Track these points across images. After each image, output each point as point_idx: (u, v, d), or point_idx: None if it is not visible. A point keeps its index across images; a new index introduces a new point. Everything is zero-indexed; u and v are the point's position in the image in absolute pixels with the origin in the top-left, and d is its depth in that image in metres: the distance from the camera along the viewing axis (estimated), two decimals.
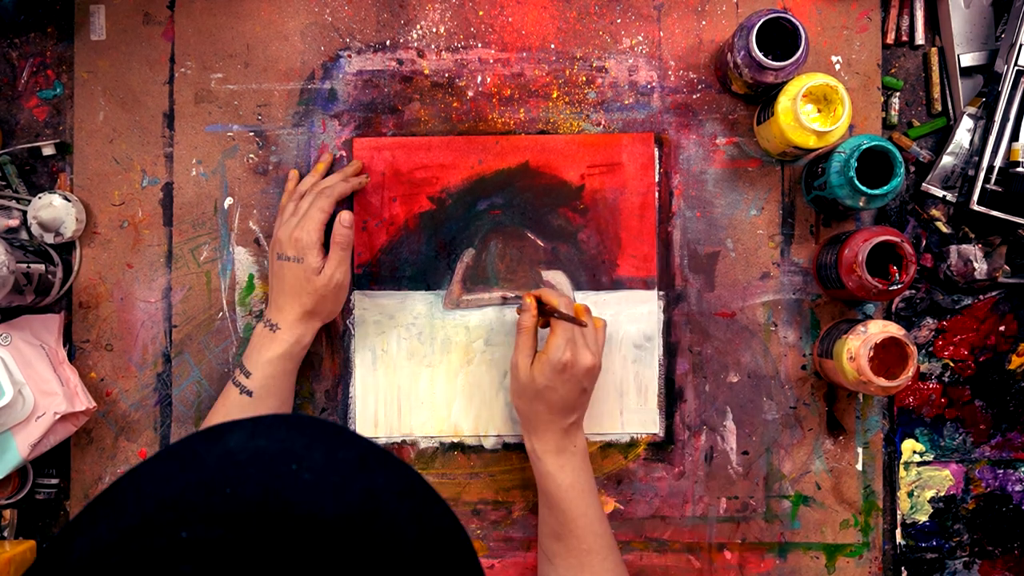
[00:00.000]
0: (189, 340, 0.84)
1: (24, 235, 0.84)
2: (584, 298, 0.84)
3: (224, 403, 0.77)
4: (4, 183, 0.84)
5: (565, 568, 0.76)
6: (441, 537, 0.39)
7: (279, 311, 0.78)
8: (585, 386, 0.76)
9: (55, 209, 0.82)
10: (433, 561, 0.38)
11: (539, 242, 0.84)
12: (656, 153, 0.84)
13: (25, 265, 0.77)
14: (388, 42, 0.85)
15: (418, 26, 0.85)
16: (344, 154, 0.84)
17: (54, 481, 0.83)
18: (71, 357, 0.84)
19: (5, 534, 0.83)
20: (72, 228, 0.83)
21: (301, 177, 0.84)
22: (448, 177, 0.84)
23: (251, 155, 0.84)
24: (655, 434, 0.84)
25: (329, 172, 0.83)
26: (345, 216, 0.77)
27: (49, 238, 0.82)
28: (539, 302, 0.78)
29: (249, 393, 0.76)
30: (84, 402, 0.79)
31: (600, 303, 0.84)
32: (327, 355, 0.84)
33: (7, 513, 0.83)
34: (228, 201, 0.84)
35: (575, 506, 0.75)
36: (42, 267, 0.80)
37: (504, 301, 0.84)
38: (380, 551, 0.35)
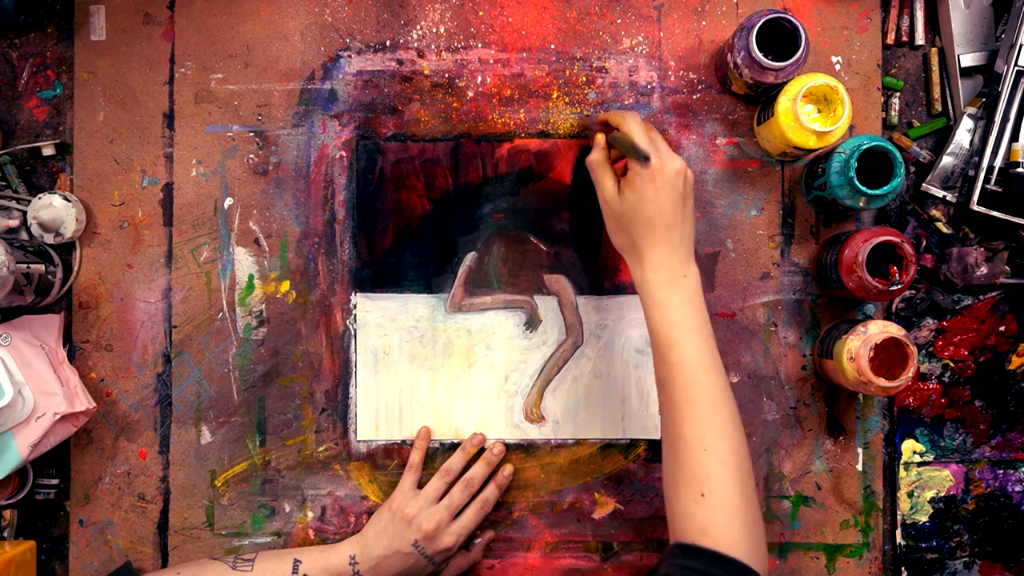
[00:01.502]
0: (189, 340, 0.84)
1: (24, 235, 0.84)
2: (586, 302, 0.84)
3: None
4: (4, 183, 0.84)
5: (667, 420, 0.69)
6: None
7: (375, 572, 0.78)
8: (680, 189, 0.70)
9: (55, 209, 0.82)
10: None
11: (542, 246, 0.84)
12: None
13: (25, 265, 0.77)
14: (388, 42, 0.85)
15: (418, 26, 0.85)
16: (344, 154, 0.84)
17: (54, 481, 0.83)
18: (71, 357, 0.84)
19: (5, 534, 0.83)
20: (72, 228, 0.83)
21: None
22: (452, 180, 0.84)
23: (251, 155, 0.84)
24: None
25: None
26: (489, 536, 0.83)
27: (49, 238, 0.82)
28: (607, 136, 0.73)
29: None
30: (84, 402, 0.79)
31: (602, 308, 0.84)
32: (327, 355, 0.84)
33: (7, 513, 0.83)
34: (228, 201, 0.84)
35: (679, 347, 0.68)
36: (42, 267, 0.80)
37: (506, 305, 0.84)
38: None
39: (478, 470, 0.81)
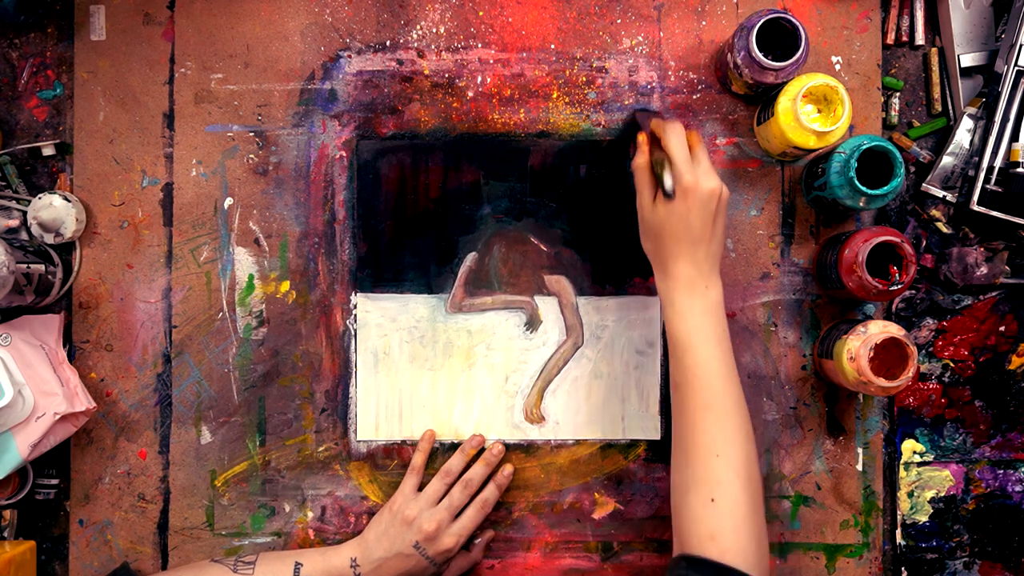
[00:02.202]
0: (189, 340, 0.84)
1: (24, 235, 0.84)
2: (587, 303, 0.84)
3: None
4: (4, 183, 0.84)
5: (680, 425, 0.70)
6: None
7: (376, 574, 0.78)
8: (712, 208, 0.71)
9: (55, 209, 0.82)
10: None
11: (542, 247, 0.84)
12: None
13: (25, 265, 0.77)
14: (388, 42, 0.85)
15: (418, 26, 0.85)
16: (344, 154, 0.84)
17: (54, 481, 0.83)
18: (71, 357, 0.84)
19: (5, 534, 0.83)
20: (72, 228, 0.83)
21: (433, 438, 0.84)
22: (452, 180, 0.84)
23: (251, 155, 0.84)
24: None
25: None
26: (489, 536, 0.83)
27: (49, 238, 0.82)
28: (652, 139, 0.74)
29: None
30: (84, 402, 0.79)
31: (602, 309, 0.84)
32: (327, 355, 0.84)
33: (7, 513, 0.83)
34: (228, 201, 0.84)
35: (696, 353, 0.69)
36: (42, 267, 0.80)
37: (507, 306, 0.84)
38: None
39: (477, 470, 0.82)
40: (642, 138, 0.75)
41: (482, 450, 0.83)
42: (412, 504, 0.79)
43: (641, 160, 0.74)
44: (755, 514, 0.66)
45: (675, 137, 0.72)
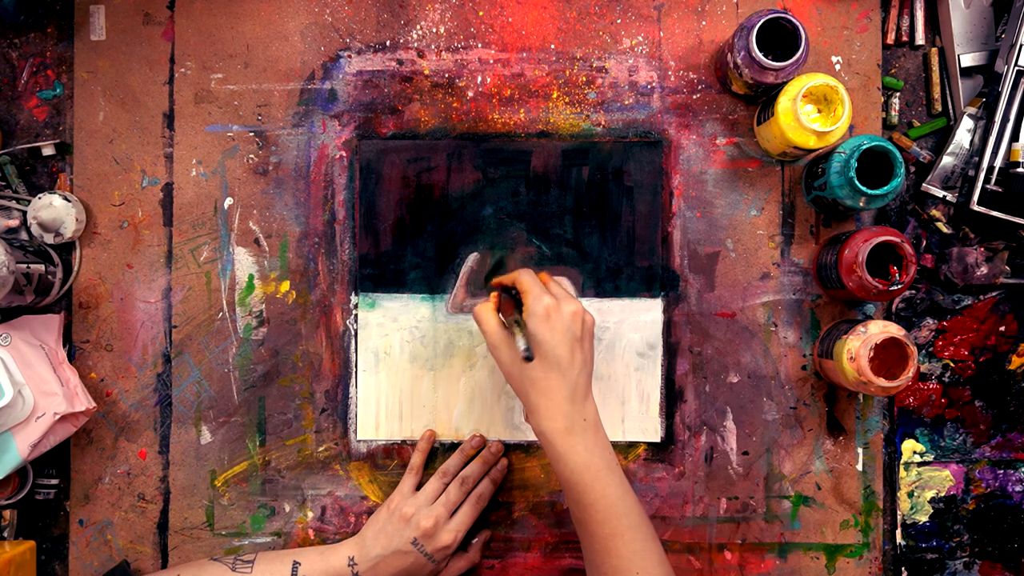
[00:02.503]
0: (189, 340, 0.84)
1: (24, 235, 0.84)
2: (588, 304, 0.84)
3: None
4: (4, 183, 0.84)
5: (592, 552, 0.71)
6: None
7: (374, 573, 0.78)
8: (577, 334, 0.70)
9: (55, 209, 0.82)
10: None
11: (544, 248, 0.84)
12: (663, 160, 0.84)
13: (25, 265, 0.77)
14: (388, 42, 0.85)
15: (418, 26, 0.85)
16: (344, 154, 0.84)
17: (54, 481, 0.83)
18: (71, 357, 0.84)
19: (5, 534, 0.83)
20: (72, 228, 0.83)
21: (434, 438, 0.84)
22: (454, 181, 0.84)
23: (251, 155, 0.84)
24: None
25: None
26: (486, 536, 0.83)
27: (49, 238, 0.82)
28: (506, 317, 0.74)
29: None
30: (84, 402, 0.79)
31: (604, 310, 0.84)
32: (327, 355, 0.84)
33: (7, 513, 0.83)
34: (228, 201, 0.84)
35: (592, 489, 0.69)
36: (42, 267, 0.80)
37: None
38: None
39: (474, 468, 0.82)
40: (494, 298, 0.74)
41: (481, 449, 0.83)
42: (410, 502, 0.79)
43: (484, 306, 0.73)
44: None
45: (525, 274, 0.72)
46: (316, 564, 0.77)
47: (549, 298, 0.70)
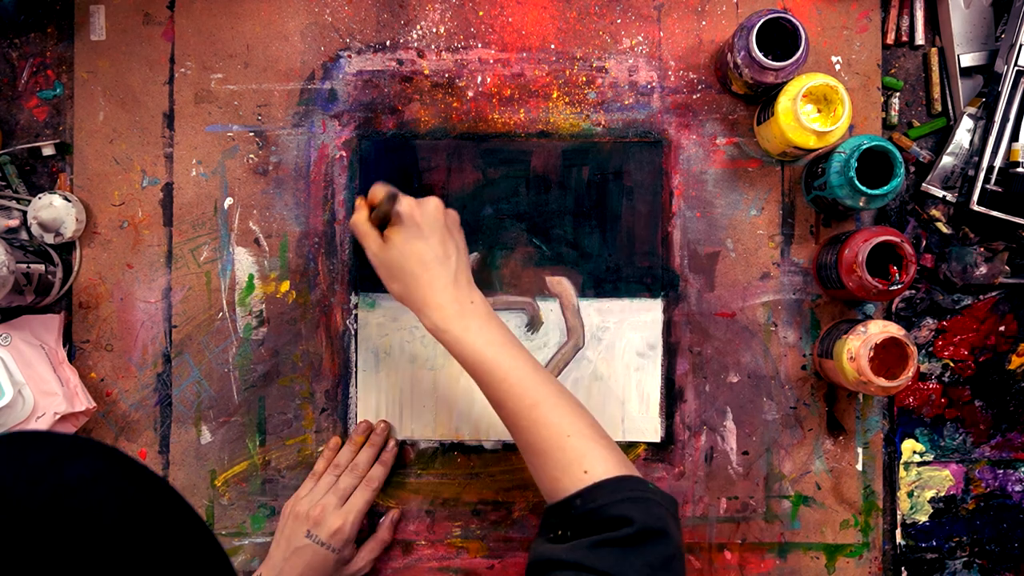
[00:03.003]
0: (189, 340, 0.84)
1: (24, 235, 0.84)
2: (588, 305, 0.84)
3: None
4: (4, 183, 0.84)
5: (521, 432, 0.68)
6: (145, 513, 0.41)
7: None
8: (444, 221, 0.71)
9: (55, 209, 0.82)
10: (136, 539, 0.40)
11: (544, 248, 0.84)
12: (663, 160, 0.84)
13: (25, 265, 0.77)
14: (388, 42, 0.85)
15: (418, 26, 0.85)
16: (344, 154, 0.84)
17: None
18: (71, 357, 0.84)
19: None
20: (72, 228, 0.83)
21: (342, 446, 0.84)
22: (454, 181, 0.84)
23: (251, 155, 0.84)
24: None
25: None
26: (395, 515, 0.83)
27: (49, 238, 0.82)
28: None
29: None
30: (84, 402, 0.79)
31: (604, 310, 0.84)
32: (327, 355, 0.84)
33: None
34: (228, 201, 0.84)
35: (499, 364, 0.68)
36: (42, 267, 0.80)
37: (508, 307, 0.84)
38: (74, 539, 0.38)
39: (364, 455, 0.82)
40: (359, 201, 0.74)
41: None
42: (303, 501, 0.79)
43: (358, 215, 0.73)
44: (623, 460, 0.66)
45: (377, 186, 0.71)
46: None
47: (407, 201, 0.71)
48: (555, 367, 0.84)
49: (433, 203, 0.72)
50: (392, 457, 0.83)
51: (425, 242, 0.70)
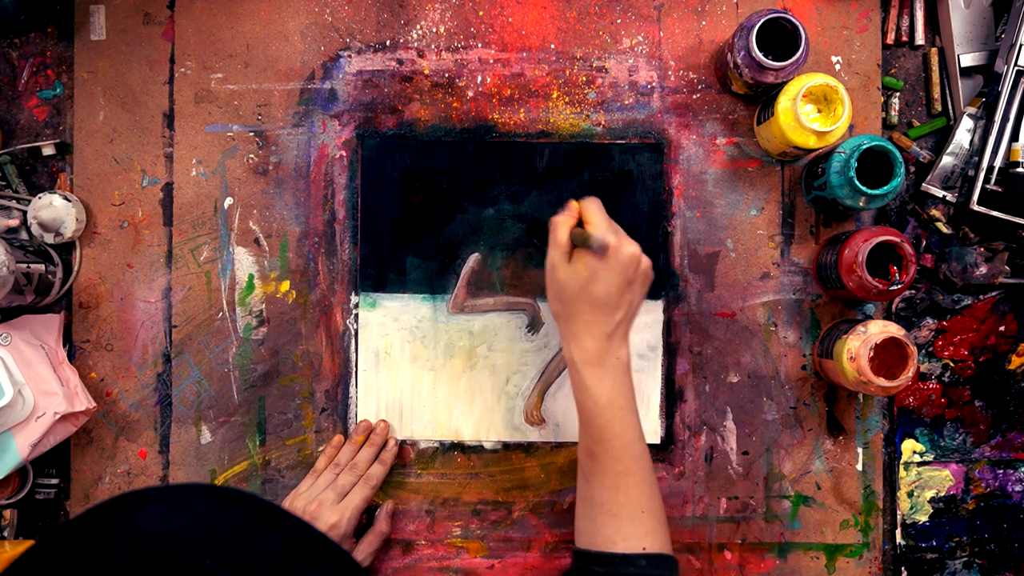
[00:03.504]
0: (189, 340, 0.84)
1: (24, 235, 0.84)
2: None
3: None
4: (4, 183, 0.84)
5: (600, 488, 0.71)
6: None
7: None
8: (630, 277, 0.70)
9: (55, 209, 0.82)
10: None
11: (544, 248, 0.84)
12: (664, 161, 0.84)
13: (25, 265, 0.77)
14: (388, 42, 0.85)
15: (418, 26, 0.85)
16: (344, 154, 0.84)
17: (54, 481, 0.83)
18: (71, 357, 0.84)
19: (5, 534, 0.83)
20: (72, 228, 0.83)
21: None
22: (455, 181, 0.84)
23: (251, 155, 0.84)
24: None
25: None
26: (390, 506, 0.83)
27: (49, 238, 0.82)
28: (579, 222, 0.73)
29: None
30: (84, 402, 0.79)
31: None
32: (327, 355, 0.84)
33: (7, 513, 0.83)
34: (228, 201, 0.84)
35: (612, 425, 0.70)
36: (42, 267, 0.80)
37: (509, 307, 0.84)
38: None
39: (364, 453, 0.82)
40: (573, 203, 0.73)
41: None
42: (301, 496, 0.79)
43: (563, 217, 0.72)
44: (667, 528, 0.73)
45: (594, 205, 0.72)
46: None
47: (612, 236, 0.69)
48: (555, 368, 0.84)
49: (629, 252, 0.70)
50: (392, 457, 0.83)
51: (606, 285, 0.69)
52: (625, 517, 0.70)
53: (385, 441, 0.83)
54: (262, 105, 0.84)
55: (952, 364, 0.84)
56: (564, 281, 0.71)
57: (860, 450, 0.83)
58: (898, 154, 0.73)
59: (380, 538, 0.81)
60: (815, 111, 0.78)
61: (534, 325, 0.84)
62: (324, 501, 0.77)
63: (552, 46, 0.85)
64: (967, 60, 0.83)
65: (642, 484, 0.71)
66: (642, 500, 0.71)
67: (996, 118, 0.80)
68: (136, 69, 0.85)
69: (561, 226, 0.72)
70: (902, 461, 0.84)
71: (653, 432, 0.83)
